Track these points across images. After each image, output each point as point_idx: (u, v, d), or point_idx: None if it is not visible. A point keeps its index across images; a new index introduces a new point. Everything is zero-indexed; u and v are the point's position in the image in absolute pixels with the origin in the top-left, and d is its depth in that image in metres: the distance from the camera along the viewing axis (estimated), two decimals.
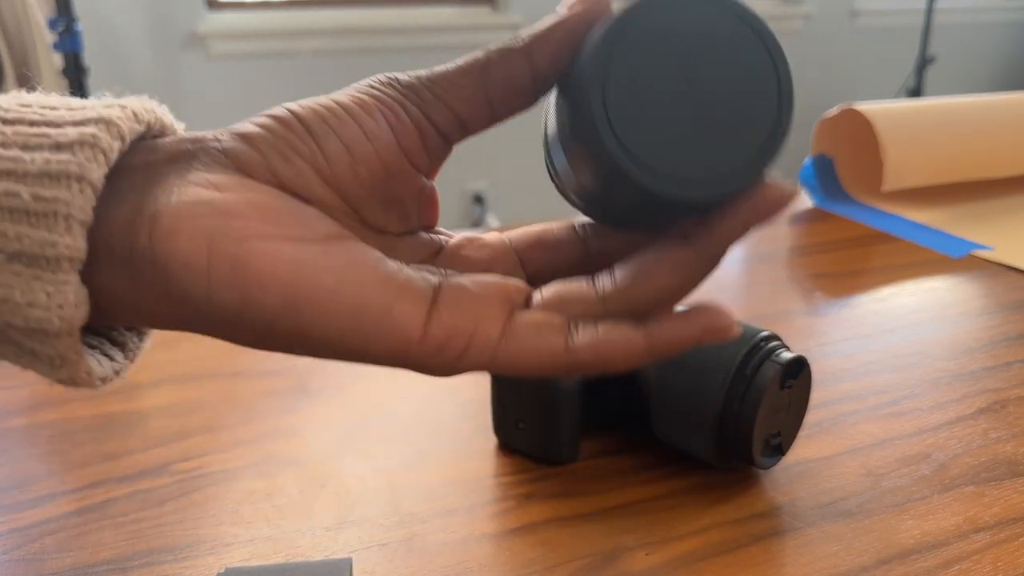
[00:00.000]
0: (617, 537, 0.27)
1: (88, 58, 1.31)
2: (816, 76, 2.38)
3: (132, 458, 0.31)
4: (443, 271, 0.18)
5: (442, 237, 0.20)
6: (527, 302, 0.18)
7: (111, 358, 0.19)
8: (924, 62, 2.13)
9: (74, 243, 0.16)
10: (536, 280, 0.19)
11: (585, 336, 0.17)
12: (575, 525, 0.28)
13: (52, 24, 1.26)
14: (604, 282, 0.18)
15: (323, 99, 0.18)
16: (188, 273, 0.16)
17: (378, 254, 0.17)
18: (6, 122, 0.17)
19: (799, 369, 0.29)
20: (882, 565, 0.26)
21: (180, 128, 0.19)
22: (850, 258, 0.54)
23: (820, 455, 0.32)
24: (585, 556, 0.26)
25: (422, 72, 0.19)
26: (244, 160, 0.17)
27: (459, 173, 2.03)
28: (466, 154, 1.96)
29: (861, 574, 0.26)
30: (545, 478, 0.30)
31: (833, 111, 0.64)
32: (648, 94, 0.16)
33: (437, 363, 0.17)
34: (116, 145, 0.16)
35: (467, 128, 0.19)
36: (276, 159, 0.17)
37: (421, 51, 1.90)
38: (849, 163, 0.66)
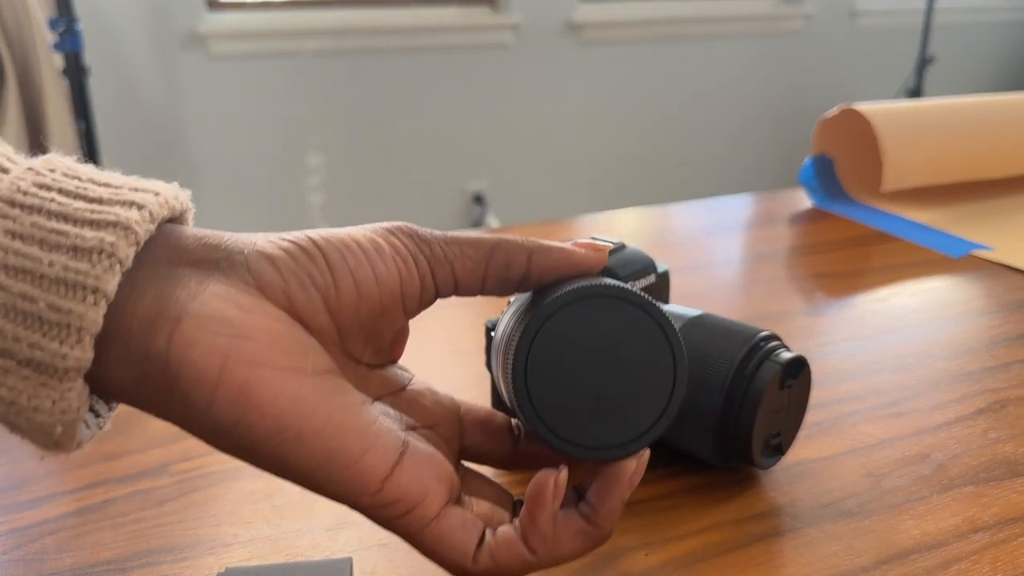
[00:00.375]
0: (617, 537, 0.27)
1: (88, 58, 1.31)
2: (816, 76, 2.38)
3: (132, 458, 0.31)
4: (409, 429, 0.21)
5: (405, 375, 0.23)
6: (460, 500, 0.21)
7: (87, 425, 0.19)
8: (924, 62, 2.13)
9: (83, 355, 0.16)
10: (465, 451, 0.22)
11: (489, 545, 0.20)
12: None
13: (52, 24, 1.26)
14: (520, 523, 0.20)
15: (345, 234, 0.20)
16: (197, 384, 0.17)
17: (360, 397, 0.20)
18: (25, 208, 0.17)
19: (799, 369, 0.29)
20: (882, 565, 0.26)
21: (191, 209, 0.20)
22: (850, 258, 0.54)
23: (820, 455, 0.32)
24: (585, 556, 0.26)
25: (438, 232, 0.21)
26: (266, 281, 0.18)
27: (459, 173, 2.04)
28: (466, 154, 1.96)
29: (861, 574, 0.26)
30: None
31: (833, 111, 0.64)
32: (561, 375, 0.20)
33: (379, 516, 0.19)
34: (132, 251, 0.17)
35: (458, 291, 0.21)
36: (294, 286, 0.19)
37: (421, 51, 1.90)
38: (849, 163, 0.66)
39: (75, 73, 1.29)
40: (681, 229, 0.62)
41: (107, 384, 0.18)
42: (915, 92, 2.14)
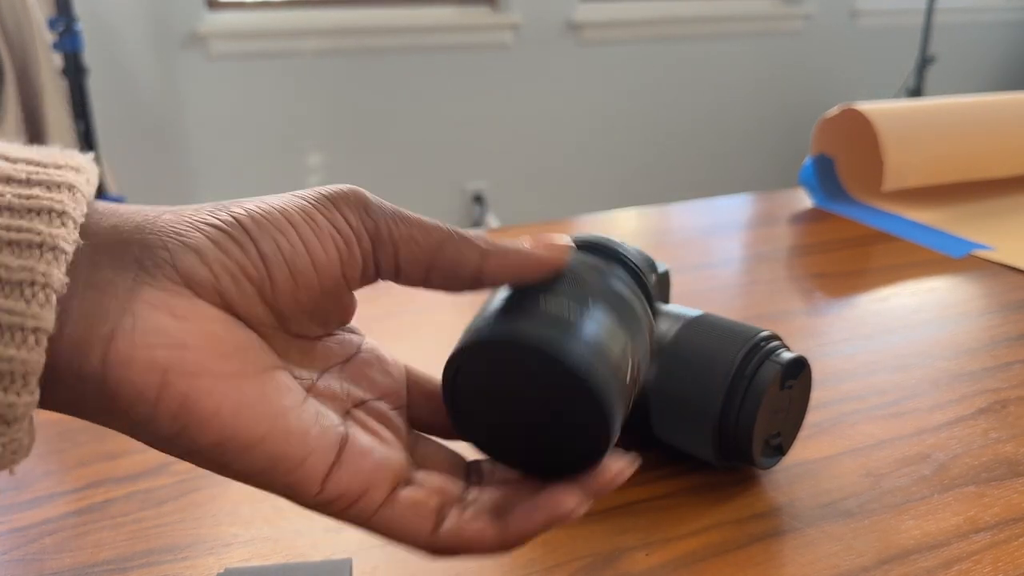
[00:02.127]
0: (617, 537, 0.27)
1: (88, 58, 1.31)
2: (816, 76, 2.38)
3: (132, 458, 0.31)
4: (356, 406, 0.20)
5: (354, 339, 0.22)
6: (410, 480, 0.20)
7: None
8: (924, 62, 2.13)
9: (32, 398, 0.15)
10: (413, 421, 0.22)
11: (448, 525, 0.19)
12: (575, 525, 0.28)
13: (52, 24, 1.26)
14: (474, 493, 0.20)
15: (278, 210, 0.18)
16: (136, 401, 0.16)
17: (301, 396, 0.19)
18: None
19: (799, 369, 0.29)
20: (882, 565, 0.26)
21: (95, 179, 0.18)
22: (850, 258, 0.54)
23: (820, 455, 0.32)
24: (585, 556, 0.26)
25: (389, 206, 0.19)
26: (196, 280, 0.17)
27: (459, 173, 2.04)
28: (466, 154, 1.96)
29: (861, 574, 0.26)
30: None
31: (833, 111, 0.64)
32: (488, 401, 0.20)
33: (325, 511, 0.19)
34: (64, 273, 0.16)
35: (398, 278, 0.20)
36: (226, 282, 0.17)
37: (421, 51, 1.90)
38: (849, 163, 0.66)
39: (74, 73, 1.29)
40: (681, 229, 0.62)
41: (43, 403, 0.17)
42: (915, 92, 2.14)
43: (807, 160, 0.65)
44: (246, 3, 1.78)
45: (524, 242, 0.20)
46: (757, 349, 0.28)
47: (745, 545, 0.27)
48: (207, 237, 0.17)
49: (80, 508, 0.28)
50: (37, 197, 0.16)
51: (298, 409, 0.18)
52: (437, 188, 2.02)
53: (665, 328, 0.30)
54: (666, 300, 0.35)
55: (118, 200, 1.37)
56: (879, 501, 0.29)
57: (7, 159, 0.16)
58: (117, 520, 0.28)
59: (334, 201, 0.19)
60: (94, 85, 1.35)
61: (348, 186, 0.19)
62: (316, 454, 0.18)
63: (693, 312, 0.31)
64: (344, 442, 0.19)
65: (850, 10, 2.35)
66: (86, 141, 1.32)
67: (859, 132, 0.64)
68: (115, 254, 0.17)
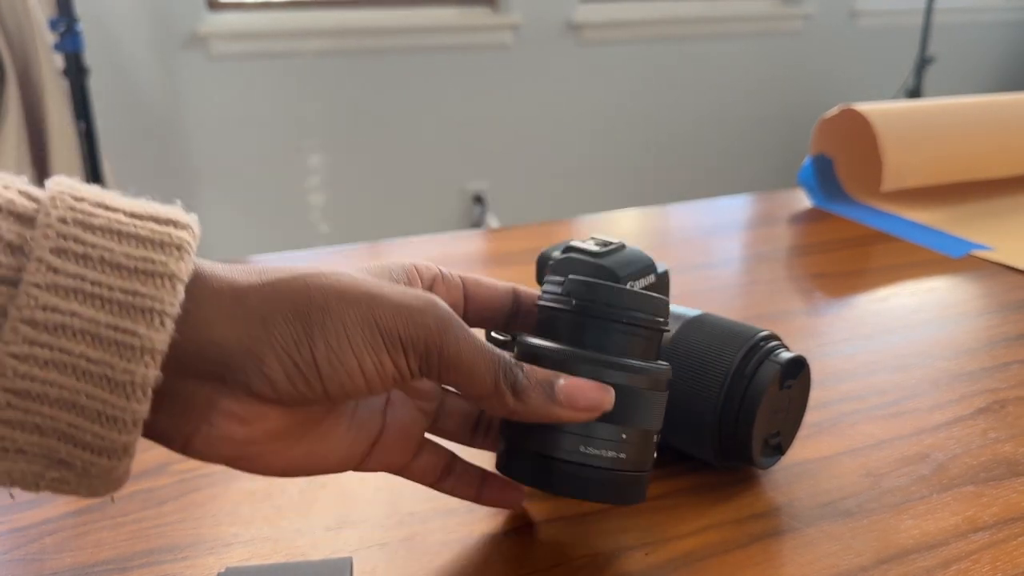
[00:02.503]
0: (617, 537, 0.27)
1: (89, 58, 1.31)
2: (816, 76, 2.38)
3: None
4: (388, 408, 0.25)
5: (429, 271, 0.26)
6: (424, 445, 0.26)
7: None
8: (923, 62, 2.13)
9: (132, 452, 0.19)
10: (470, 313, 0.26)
11: (444, 486, 0.26)
12: (575, 525, 0.28)
13: (53, 24, 1.26)
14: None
15: (354, 353, 0.21)
16: (206, 461, 0.22)
17: (345, 425, 0.24)
18: (49, 329, 0.18)
19: (798, 369, 0.29)
20: (881, 565, 0.26)
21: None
22: (850, 258, 0.54)
23: (819, 455, 0.32)
24: (585, 556, 0.26)
25: (451, 352, 0.22)
26: (264, 397, 0.21)
27: (459, 173, 2.04)
28: (466, 155, 1.95)
29: (860, 574, 0.26)
30: None
31: (833, 111, 0.64)
32: (533, 482, 0.24)
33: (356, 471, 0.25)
34: (158, 379, 0.19)
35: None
36: (290, 400, 0.21)
37: (421, 52, 1.90)
38: (848, 163, 0.66)
39: (75, 73, 1.29)
40: (681, 229, 0.62)
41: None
42: (915, 92, 2.14)
43: (806, 160, 0.65)
44: (247, 4, 1.79)
45: (561, 394, 0.22)
46: (756, 349, 0.28)
47: (744, 545, 0.27)
48: (284, 372, 0.20)
49: (80, 508, 0.29)
50: (140, 294, 0.19)
51: (340, 439, 0.23)
52: (437, 188, 2.02)
53: None
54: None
55: None
56: (878, 501, 0.29)
57: (119, 236, 0.19)
58: (117, 520, 0.28)
59: (404, 344, 0.21)
60: (95, 85, 1.35)
61: (425, 322, 0.21)
62: (352, 458, 0.24)
63: (692, 312, 0.31)
64: (380, 434, 0.24)
65: (849, 10, 2.35)
66: (87, 141, 1.32)
67: (858, 132, 0.64)
68: (200, 368, 0.20)
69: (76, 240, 0.18)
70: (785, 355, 0.29)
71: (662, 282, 0.34)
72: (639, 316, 0.23)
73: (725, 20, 2.21)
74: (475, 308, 0.26)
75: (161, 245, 0.19)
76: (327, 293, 0.21)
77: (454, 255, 0.54)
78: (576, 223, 0.63)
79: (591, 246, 0.33)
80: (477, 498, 0.26)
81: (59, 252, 0.18)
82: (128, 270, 0.19)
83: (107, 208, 0.19)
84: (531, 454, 0.23)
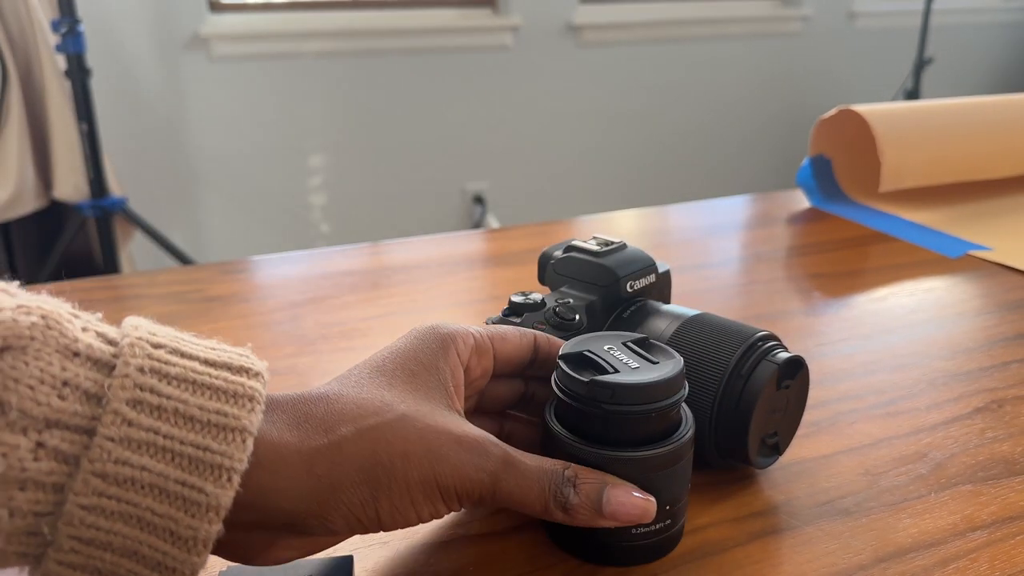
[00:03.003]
0: None
1: (91, 59, 1.32)
2: (814, 77, 2.38)
3: None
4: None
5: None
6: None
7: None
8: (922, 63, 2.13)
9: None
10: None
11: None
12: None
13: (55, 25, 1.26)
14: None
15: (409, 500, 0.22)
16: None
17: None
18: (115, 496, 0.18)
19: (796, 369, 0.29)
20: (879, 563, 0.26)
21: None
22: (848, 258, 0.55)
23: (818, 454, 0.32)
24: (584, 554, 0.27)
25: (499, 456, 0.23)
26: (325, 538, 0.23)
27: (459, 174, 2.04)
28: (466, 155, 1.95)
29: (859, 572, 0.26)
30: None
31: (831, 112, 0.64)
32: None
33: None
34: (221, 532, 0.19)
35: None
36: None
37: (422, 53, 1.91)
38: (847, 164, 0.66)
39: (77, 74, 1.29)
40: (680, 230, 0.62)
41: None
42: (913, 93, 2.15)
43: (805, 161, 0.66)
44: (248, 5, 1.79)
45: (607, 509, 0.23)
46: (754, 349, 0.29)
47: (743, 543, 0.27)
48: (348, 525, 0.22)
49: None
50: (210, 450, 0.19)
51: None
52: (438, 189, 2.02)
53: (664, 327, 0.30)
54: (667, 299, 0.35)
55: (120, 202, 1.37)
56: (876, 500, 0.29)
57: (194, 386, 0.20)
58: None
59: (460, 497, 0.23)
60: (97, 86, 1.35)
61: (480, 479, 0.23)
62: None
63: (691, 312, 0.31)
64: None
65: (848, 12, 2.35)
66: (89, 142, 1.32)
67: (856, 133, 0.64)
68: (266, 521, 0.21)
69: (152, 391, 0.19)
70: (783, 355, 0.29)
71: (663, 281, 0.34)
72: (661, 405, 0.25)
73: (724, 22, 2.21)
74: (500, 362, 0.27)
75: (234, 396, 0.20)
76: (392, 455, 0.22)
77: (454, 255, 0.54)
78: (576, 223, 0.63)
79: (592, 245, 0.33)
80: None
81: (135, 404, 0.18)
82: (201, 423, 0.19)
83: (183, 356, 0.20)
84: (581, 536, 0.26)
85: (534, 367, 0.28)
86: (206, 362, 0.20)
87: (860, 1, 2.36)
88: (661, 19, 2.14)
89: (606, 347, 0.26)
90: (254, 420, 0.20)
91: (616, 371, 0.25)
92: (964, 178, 0.66)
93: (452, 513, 0.25)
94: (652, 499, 0.24)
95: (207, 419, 0.19)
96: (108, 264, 1.38)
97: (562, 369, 0.25)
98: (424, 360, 0.24)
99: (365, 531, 0.22)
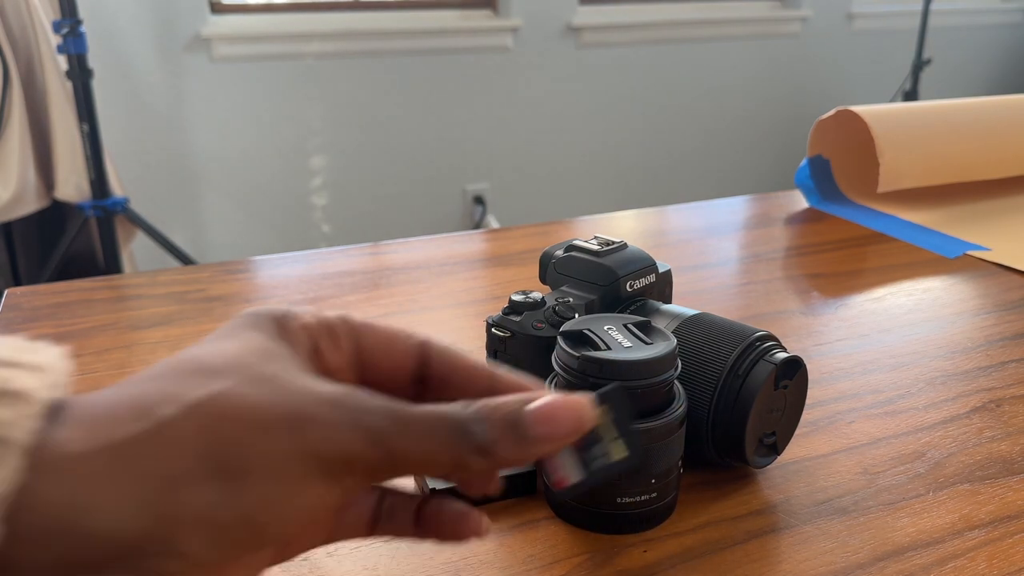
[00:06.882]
0: (617, 534, 0.27)
1: (92, 60, 1.32)
2: (813, 78, 2.38)
3: None
4: None
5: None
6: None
7: None
8: (920, 64, 2.14)
9: None
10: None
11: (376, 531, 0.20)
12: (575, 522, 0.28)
13: (56, 26, 1.26)
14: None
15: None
16: None
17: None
18: None
19: (794, 370, 0.30)
20: (878, 562, 0.26)
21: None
22: (846, 258, 0.55)
23: (816, 453, 0.32)
24: (584, 553, 0.27)
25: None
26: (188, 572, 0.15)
27: (460, 175, 2.04)
28: (467, 156, 1.95)
29: (857, 571, 0.26)
30: None
31: (829, 113, 0.64)
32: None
33: None
34: None
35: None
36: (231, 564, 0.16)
37: (422, 54, 1.91)
38: (845, 164, 0.66)
39: (79, 75, 1.29)
40: (679, 230, 0.62)
41: None
42: (911, 94, 2.15)
43: (803, 161, 0.66)
44: (250, 6, 1.79)
45: (532, 430, 0.17)
46: (752, 349, 0.29)
47: (742, 542, 0.27)
48: (208, 540, 0.15)
49: None
50: None
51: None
52: (438, 190, 2.02)
53: (662, 327, 0.30)
54: (668, 299, 0.35)
55: (121, 203, 1.37)
56: (875, 499, 0.29)
57: None
58: None
59: (351, 465, 0.17)
60: (99, 87, 1.35)
61: (368, 428, 0.17)
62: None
63: (690, 311, 0.31)
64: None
65: (846, 13, 2.35)
66: (91, 143, 1.32)
67: (855, 134, 0.64)
68: (75, 569, 0.14)
69: None
70: (780, 355, 0.29)
71: (663, 281, 0.35)
72: (648, 383, 0.25)
73: (723, 23, 2.21)
74: (368, 359, 0.20)
75: None
76: (239, 428, 0.15)
77: (454, 255, 0.54)
78: (576, 223, 0.63)
79: (593, 245, 0.33)
80: (418, 533, 0.20)
81: None
82: None
83: None
84: (571, 505, 0.27)
85: (427, 386, 0.20)
86: None
87: (859, 2, 2.36)
88: (660, 20, 2.14)
89: (606, 327, 0.27)
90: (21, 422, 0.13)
91: (609, 349, 0.26)
92: (962, 178, 0.66)
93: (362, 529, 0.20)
94: (582, 400, 0.18)
95: None
96: (110, 264, 1.38)
97: (560, 345, 0.27)
98: (255, 332, 0.18)
99: (237, 544, 0.15)
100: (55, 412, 0.15)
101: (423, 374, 0.20)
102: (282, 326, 0.18)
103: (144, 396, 0.15)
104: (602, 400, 0.19)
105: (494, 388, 0.19)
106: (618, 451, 0.20)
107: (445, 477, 0.18)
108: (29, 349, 0.16)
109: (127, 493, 0.14)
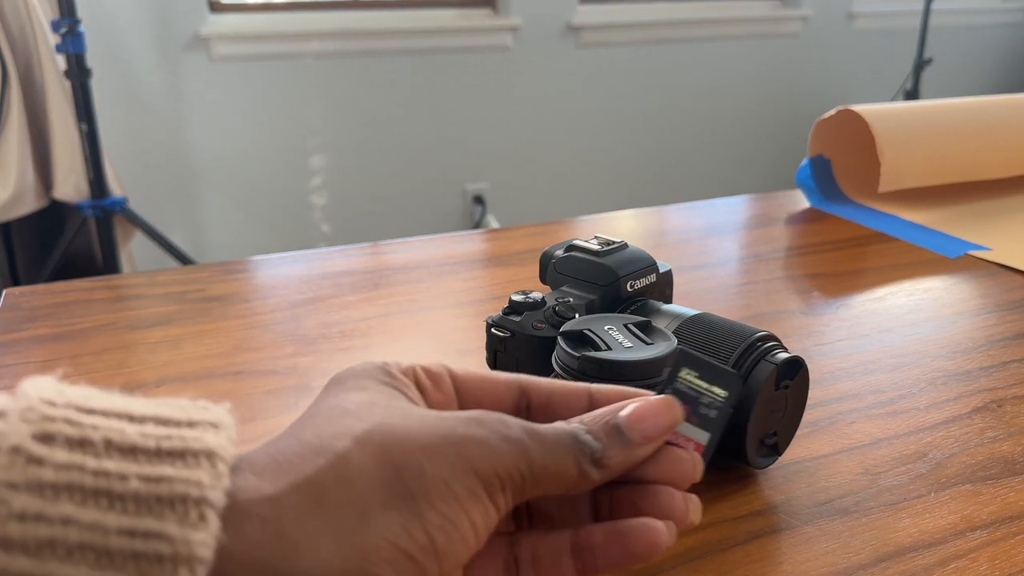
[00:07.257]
0: None
1: (91, 60, 1.32)
2: (814, 78, 2.38)
3: None
4: None
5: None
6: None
7: None
8: (921, 64, 2.14)
9: None
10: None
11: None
12: None
13: (55, 26, 1.26)
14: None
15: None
16: None
17: None
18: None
19: (795, 370, 0.29)
20: (879, 563, 0.26)
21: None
22: (847, 258, 0.55)
23: (817, 454, 0.32)
24: None
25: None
26: None
27: (460, 174, 2.04)
28: (467, 156, 1.96)
29: (858, 572, 0.26)
30: None
31: (830, 112, 0.64)
32: None
33: None
34: None
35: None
36: None
37: (422, 53, 1.91)
38: (846, 164, 0.66)
39: (78, 75, 1.29)
40: (680, 230, 0.62)
41: None
42: (912, 94, 2.15)
43: (804, 161, 0.66)
44: (249, 5, 1.79)
45: (633, 433, 0.19)
46: (753, 349, 0.29)
47: (743, 543, 0.27)
48: (397, 571, 0.16)
49: None
50: (169, 479, 0.14)
51: None
52: (438, 189, 2.02)
53: (663, 327, 0.30)
54: (669, 299, 0.35)
55: (120, 202, 1.37)
56: (876, 499, 0.29)
57: (131, 418, 0.14)
58: None
59: (503, 481, 0.18)
60: (97, 87, 1.35)
61: (511, 448, 0.18)
62: None
63: (691, 311, 0.31)
64: None
65: (847, 12, 2.35)
66: (89, 143, 1.32)
67: (856, 133, 0.64)
68: None
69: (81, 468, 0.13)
70: (781, 356, 0.29)
71: (664, 281, 0.34)
72: (647, 383, 0.25)
73: (723, 22, 2.21)
74: (468, 394, 0.21)
75: (182, 455, 0.14)
76: (410, 453, 0.16)
77: (454, 255, 0.54)
78: (576, 223, 0.63)
79: (594, 245, 0.33)
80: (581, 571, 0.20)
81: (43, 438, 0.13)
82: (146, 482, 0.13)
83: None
84: None
85: (530, 416, 0.21)
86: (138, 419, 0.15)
87: (859, 1, 2.36)
88: (661, 19, 2.14)
89: (607, 327, 0.27)
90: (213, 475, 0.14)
91: (610, 349, 0.26)
92: (963, 178, 0.66)
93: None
94: (666, 397, 0.20)
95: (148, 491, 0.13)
96: (108, 264, 1.38)
97: (560, 345, 0.27)
98: (367, 381, 0.19)
99: (419, 570, 0.16)
100: (236, 465, 0.16)
101: (525, 404, 0.21)
102: (387, 372, 0.20)
103: (311, 438, 0.17)
104: (674, 369, 0.21)
105: (594, 403, 0.21)
106: (720, 393, 0.21)
107: (565, 493, 0.19)
108: (200, 408, 0.16)
109: (325, 527, 0.15)
